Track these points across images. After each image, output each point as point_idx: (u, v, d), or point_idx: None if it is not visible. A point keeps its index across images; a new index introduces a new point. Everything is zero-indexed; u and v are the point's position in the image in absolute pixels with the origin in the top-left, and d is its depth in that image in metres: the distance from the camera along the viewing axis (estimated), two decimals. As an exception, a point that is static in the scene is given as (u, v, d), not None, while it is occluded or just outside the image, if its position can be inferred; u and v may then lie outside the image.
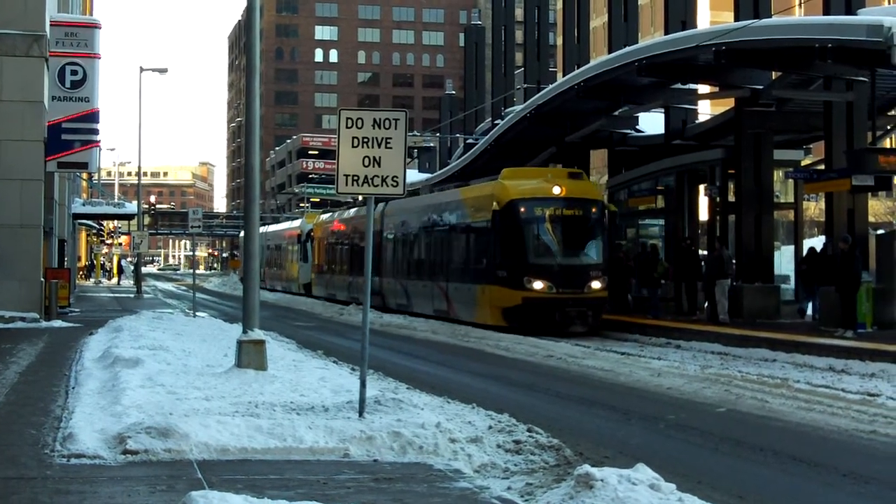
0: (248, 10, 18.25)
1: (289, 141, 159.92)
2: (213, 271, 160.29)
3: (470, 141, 54.62)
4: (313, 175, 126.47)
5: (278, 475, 9.82)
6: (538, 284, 29.74)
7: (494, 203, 30.55)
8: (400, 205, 41.26)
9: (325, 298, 51.29)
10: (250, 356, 16.25)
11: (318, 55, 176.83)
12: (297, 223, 66.97)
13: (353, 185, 12.47)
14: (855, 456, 12.28)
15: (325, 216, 57.79)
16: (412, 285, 38.65)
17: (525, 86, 54.84)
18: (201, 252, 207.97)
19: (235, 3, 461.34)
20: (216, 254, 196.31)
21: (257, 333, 16.69)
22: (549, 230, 30.73)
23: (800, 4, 65.15)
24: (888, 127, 32.56)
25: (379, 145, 12.40)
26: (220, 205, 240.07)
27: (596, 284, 30.16)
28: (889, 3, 76.56)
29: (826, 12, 28.70)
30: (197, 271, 58.05)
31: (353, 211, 52.39)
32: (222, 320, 31.34)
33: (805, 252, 31.99)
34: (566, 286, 29.73)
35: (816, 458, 12.11)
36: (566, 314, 29.49)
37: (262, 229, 76.74)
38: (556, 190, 30.68)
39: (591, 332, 29.65)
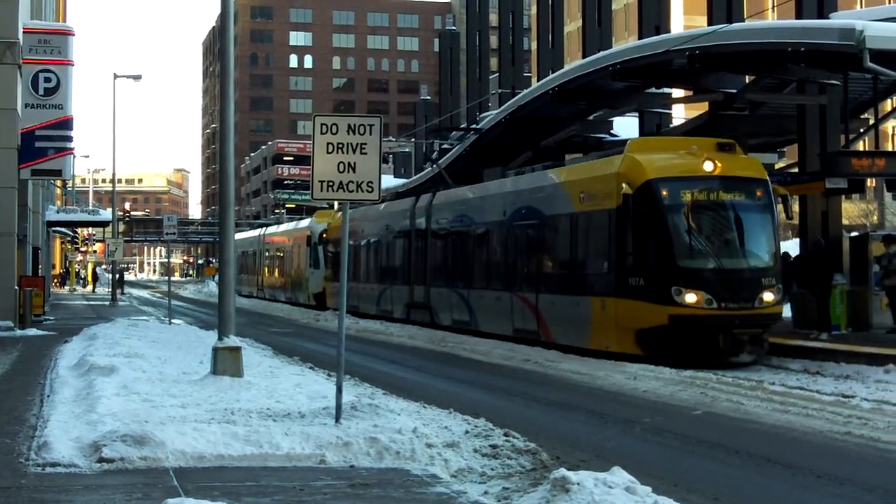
0: (222, 17, 18.21)
1: (264, 147, 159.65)
2: (188, 278, 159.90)
3: (445, 146, 54.66)
4: (288, 181, 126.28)
5: (255, 482, 9.80)
6: (692, 297, 21.88)
7: (624, 185, 22.67)
8: (456, 195, 34.46)
9: (346, 311, 43.80)
10: (226, 363, 16.21)
11: (293, 61, 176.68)
12: (304, 223, 58.67)
13: (328, 190, 12.49)
14: (829, 457, 12.36)
15: (339, 214, 46.99)
16: (478, 296, 30.93)
17: (500, 91, 54.95)
18: (177, 259, 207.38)
19: (210, 10, 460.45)
20: (191, 260, 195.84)
21: (233, 340, 16.66)
22: (703, 222, 22.94)
23: (773, 8, 65.53)
24: (861, 130, 32.74)
25: (354, 151, 12.42)
26: (195, 211, 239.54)
27: (769, 296, 22.44)
28: (861, 6, 77.13)
29: (798, 16, 28.85)
30: (172, 278, 56.92)
31: (382, 206, 42.12)
32: (198, 327, 31.22)
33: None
34: (733, 299, 22.07)
35: (791, 459, 12.17)
36: (734, 338, 21.85)
37: (259, 232, 71.95)
38: (708, 166, 22.89)
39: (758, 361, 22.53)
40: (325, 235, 50.70)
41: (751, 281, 22.47)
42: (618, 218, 23.02)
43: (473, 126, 45.42)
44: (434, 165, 43.26)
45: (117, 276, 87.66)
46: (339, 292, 45.76)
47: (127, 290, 79.50)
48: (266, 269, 66.11)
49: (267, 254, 66.12)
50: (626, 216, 22.71)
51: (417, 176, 56.00)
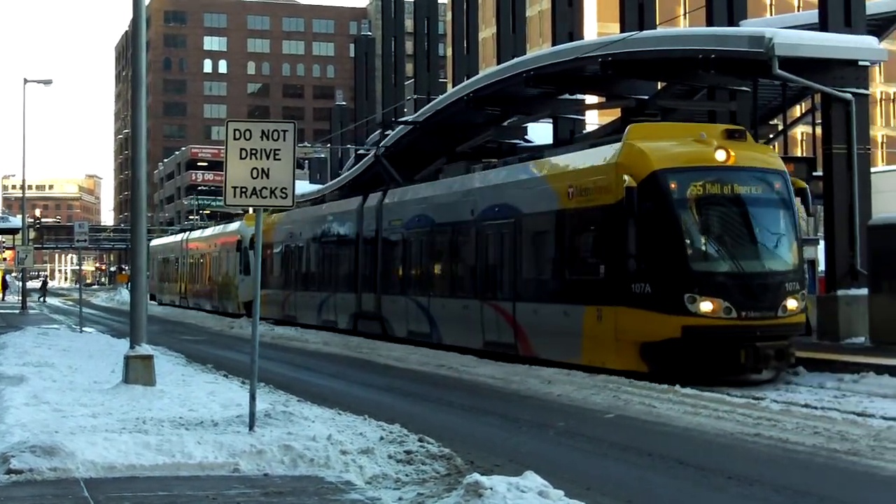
0: (135, 21, 18.03)
1: (177, 152, 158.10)
2: (100, 286, 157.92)
3: (361, 152, 54.55)
4: (202, 187, 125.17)
5: (167, 491, 9.71)
6: (708, 305, 19.19)
7: (625, 177, 19.75)
8: (412, 193, 31.29)
9: (281, 321, 40.06)
10: (138, 372, 16.08)
11: (208, 66, 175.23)
12: (233, 226, 54.62)
13: (241, 196, 12.44)
14: (739, 459, 12.53)
15: (276, 215, 44.06)
16: (440, 306, 28.00)
17: (415, 97, 54.96)
18: (88, 266, 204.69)
19: (122, 14, 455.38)
20: (104, 268, 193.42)
21: (145, 348, 16.53)
22: (718, 219, 20.33)
23: (684, 15, 66.37)
24: (770, 136, 33.27)
25: (267, 157, 12.39)
26: (107, 218, 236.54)
27: (792, 303, 19.81)
28: (771, 14, 78.45)
29: (709, 23, 29.28)
30: (84, 286, 55.36)
31: (325, 206, 40.35)
32: (110, 335, 30.89)
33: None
34: (754, 307, 19.45)
35: (702, 461, 12.33)
36: (757, 352, 19.16)
37: (182, 236, 68.38)
38: (721, 155, 20.20)
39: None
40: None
41: (773, 286, 19.78)
42: (617, 215, 20.14)
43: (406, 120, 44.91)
44: (375, 157, 40.15)
45: (40, 283, 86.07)
46: (272, 300, 39.90)
47: (42, 298, 78.25)
48: (190, 276, 62.62)
49: (191, 260, 62.73)
50: (629, 213, 19.73)
51: (350, 171, 53.02)
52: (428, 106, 40.15)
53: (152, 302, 69.57)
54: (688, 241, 19.80)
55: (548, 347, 22.68)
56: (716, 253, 20.07)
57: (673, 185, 19.86)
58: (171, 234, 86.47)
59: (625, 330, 20.21)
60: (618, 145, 21.02)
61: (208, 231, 63.72)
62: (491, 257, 25.51)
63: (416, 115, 41.72)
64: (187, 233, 69.77)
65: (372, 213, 33.19)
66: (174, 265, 68.23)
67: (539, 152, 26.60)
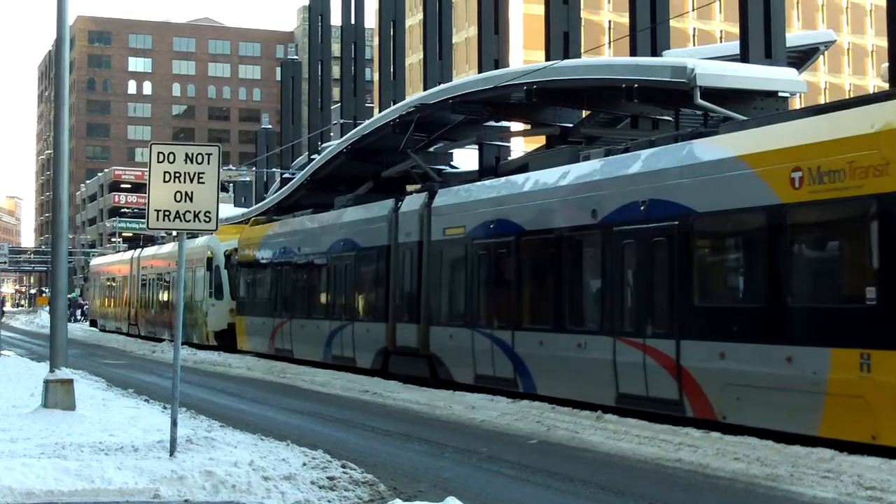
0: (58, 42, 17.87)
1: (100, 174, 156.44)
2: (20, 308, 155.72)
3: (287, 175, 54.40)
4: (125, 209, 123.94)
5: (86, 518, 9.61)
6: None
7: None
8: (483, 192, 23.75)
9: (270, 356, 33.67)
10: (58, 396, 15.90)
11: (132, 87, 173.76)
12: (201, 240, 42.03)
13: (164, 220, 12.39)
14: (660, 484, 12.66)
15: (263, 225, 38.02)
16: (534, 343, 20.64)
17: (342, 121, 54.99)
18: (8, 288, 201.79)
19: (46, 33, 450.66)
20: (23, 290, 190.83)
21: (65, 372, 16.35)
22: None
23: (609, 45, 67.13)
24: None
25: (191, 180, 12.35)
26: (28, 240, 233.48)
27: None
28: (693, 44, 79.63)
29: (633, 53, 29.61)
30: (3, 308, 53.81)
31: (333, 214, 32.39)
32: (29, 359, 30.48)
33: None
34: None
35: (624, 487, 12.43)
36: None
37: (132, 254, 59.84)
38: None
39: None
40: (231, 255, 39.94)
41: None
42: None
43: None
44: (405, 151, 32.43)
45: None
46: (257, 331, 34.97)
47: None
48: (143, 300, 53.57)
49: (144, 281, 53.87)
50: None
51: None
52: (354, 131, 40.12)
53: (93, 328, 66.82)
54: None
55: (748, 407, 15.47)
56: None
57: None
58: (89, 255, 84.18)
59: None
60: (891, 104, 13.87)
61: (167, 247, 52.68)
62: (631, 275, 18.36)
63: (340, 141, 41.62)
64: (139, 249, 60.36)
65: (413, 219, 26.06)
66: (122, 287, 59.87)
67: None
